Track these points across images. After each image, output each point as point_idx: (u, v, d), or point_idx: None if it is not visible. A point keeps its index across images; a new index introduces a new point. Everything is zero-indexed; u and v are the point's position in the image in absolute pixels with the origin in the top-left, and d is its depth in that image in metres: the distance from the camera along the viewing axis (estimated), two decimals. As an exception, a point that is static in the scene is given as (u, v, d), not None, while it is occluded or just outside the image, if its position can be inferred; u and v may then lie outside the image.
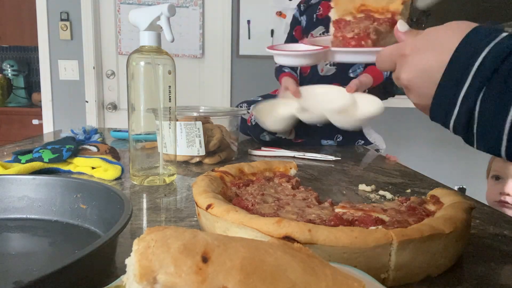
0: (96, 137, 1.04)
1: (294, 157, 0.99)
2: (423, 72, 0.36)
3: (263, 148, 1.06)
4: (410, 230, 0.36)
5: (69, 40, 2.48)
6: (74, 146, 0.78)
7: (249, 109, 1.46)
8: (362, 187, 0.73)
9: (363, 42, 0.52)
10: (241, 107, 1.55)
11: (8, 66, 3.08)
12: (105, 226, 0.43)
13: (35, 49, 2.73)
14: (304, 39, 0.69)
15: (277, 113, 1.10)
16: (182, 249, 0.22)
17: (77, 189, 0.48)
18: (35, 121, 2.83)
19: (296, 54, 0.55)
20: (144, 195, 0.64)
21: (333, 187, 0.74)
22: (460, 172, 2.81)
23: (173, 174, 0.74)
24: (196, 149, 0.89)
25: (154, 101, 0.68)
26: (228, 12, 2.51)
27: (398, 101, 2.71)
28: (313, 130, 1.34)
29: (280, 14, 2.54)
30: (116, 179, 0.73)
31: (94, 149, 0.84)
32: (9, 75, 3.08)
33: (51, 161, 0.74)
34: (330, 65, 1.40)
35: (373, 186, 0.73)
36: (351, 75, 1.34)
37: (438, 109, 0.36)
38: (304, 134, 1.24)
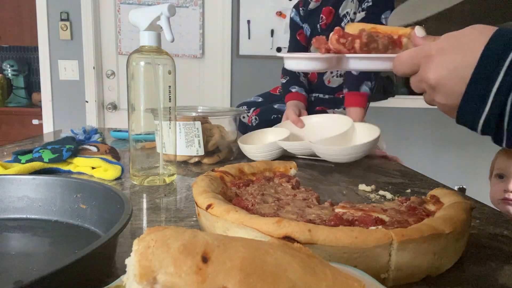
0: (96, 137, 1.04)
1: (294, 156, 0.99)
2: (452, 70, 0.36)
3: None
4: (410, 230, 0.36)
5: (69, 40, 2.48)
6: (74, 146, 0.78)
7: (248, 111, 1.46)
8: (362, 187, 0.73)
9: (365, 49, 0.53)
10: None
11: (8, 66, 3.08)
12: (105, 226, 0.43)
13: (35, 49, 2.74)
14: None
15: (264, 141, 1.03)
16: (182, 249, 0.22)
17: (77, 189, 0.48)
18: (35, 121, 2.83)
19: (308, 57, 0.55)
20: (144, 195, 0.65)
21: (333, 187, 0.74)
22: (460, 172, 2.81)
23: (173, 174, 0.74)
24: (195, 149, 0.89)
25: (154, 101, 0.68)
26: (228, 12, 2.52)
27: (398, 101, 2.72)
28: None
29: (280, 14, 2.54)
30: (116, 179, 0.73)
31: (94, 149, 0.84)
32: (9, 75, 3.08)
33: (51, 161, 0.74)
34: (337, 77, 1.37)
35: (373, 186, 0.73)
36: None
37: (468, 107, 0.36)
38: None
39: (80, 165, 0.76)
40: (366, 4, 1.24)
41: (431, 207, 0.48)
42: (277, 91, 1.55)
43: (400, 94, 2.74)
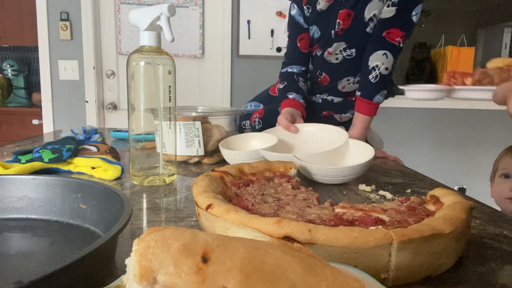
0: (96, 137, 1.04)
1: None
2: None
3: None
4: (410, 230, 0.36)
5: (69, 40, 2.48)
6: (74, 146, 0.78)
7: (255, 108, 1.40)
8: (362, 187, 0.73)
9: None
10: (245, 106, 1.49)
11: (8, 66, 3.08)
12: (105, 226, 0.43)
13: (35, 49, 2.74)
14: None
15: (247, 147, 0.95)
16: (182, 249, 0.22)
17: (77, 189, 0.48)
18: (35, 121, 2.83)
19: (428, 89, 0.65)
20: (144, 195, 0.65)
21: (333, 187, 0.74)
22: (460, 172, 2.81)
23: (173, 174, 0.74)
24: (195, 149, 0.89)
25: (154, 101, 0.68)
26: (228, 12, 2.52)
27: (398, 101, 2.72)
28: None
29: (280, 14, 2.54)
30: (116, 179, 0.73)
31: (94, 149, 0.84)
32: (9, 75, 3.08)
33: (51, 161, 0.74)
34: (353, 83, 1.28)
35: (373, 186, 0.73)
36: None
37: None
38: None
39: (80, 165, 0.76)
40: None
41: (431, 207, 0.48)
42: (276, 89, 1.42)
43: (400, 94, 2.74)
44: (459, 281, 0.38)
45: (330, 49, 1.22)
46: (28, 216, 0.48)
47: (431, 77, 2.80)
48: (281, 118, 1.03)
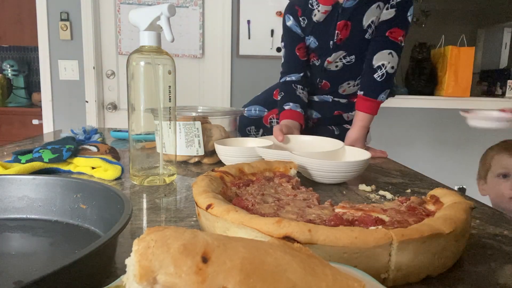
0: (96, 137, 1.04)
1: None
2: None
3: None
4: (410, 230, 0.36)
5: (69, 40, 2.48)
6: (74, 146, 0.78)
7: (257, 131, 1.39)
8: (362, 187, 0.73)
9: None
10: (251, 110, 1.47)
11: (8, 66, 3.08)
12: (105, 226, 0.43)
13: (35, 49, 2.74)
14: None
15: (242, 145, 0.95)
16: (182, 249, 0.22)
17: (77, 189, 0.48)
18: (35, 121, 2.83)
19: (492, 118, 0.65)
20: (144, 195, 0.64)
21: (333, 187, 0.74)
22: (460, 172, 2.81)
23: (173, 174, 0.74)
24: (195, 149, 0.89)
25: (154, 101, 0.68)
26: (228, 12, 2.52)
27: (398, 101, 2.72)
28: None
29: (280, 14, 2.54)
30: (116, 179, 0.73)
31: (94, 149, 0.84)
32: (9, 75, 3.08)
33: (51, 161, 0.74)
34: (353, 86, 1.30)
35: (373, 186, 0.73)
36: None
37: None
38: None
39: (80, 165, 0.76)
40: (395, 0, 1.11)
41: (431, 207, 0.48)
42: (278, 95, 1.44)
43: (400, 94, 2.75)
44: (459, 281, 0.38)
45: (329, 58, 1.24)
46: (28, 216, 0.48)
47: (431, 77, 2.79)
48: (275, 129, 1.02)
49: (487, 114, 0.62)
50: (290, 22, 1.27)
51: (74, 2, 2.44)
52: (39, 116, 2.69)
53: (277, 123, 1.30)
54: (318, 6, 1.16)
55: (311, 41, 1.25)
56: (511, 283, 0.38)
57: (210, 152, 0.92)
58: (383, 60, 1.13)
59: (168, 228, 0.24)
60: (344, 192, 0.70)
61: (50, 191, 0.48)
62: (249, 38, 2.55)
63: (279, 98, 1.28)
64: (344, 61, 1.24)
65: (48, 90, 2.53)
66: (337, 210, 0.47)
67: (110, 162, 0.75)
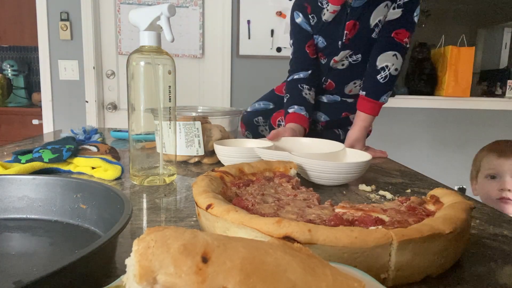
0: (96, 137, 1.04)
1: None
2: None
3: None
4: (410, 230, 0.36)
5: (69, 40, 2.48)
6: (74, 146, 0.78)
7: (265, 122, 1.39)
8: (362, 187, 0.73)
9: None
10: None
11: (8, 66, 3.08)
12: (105, 226, 0.43)
13: (35, 49, 2.74)
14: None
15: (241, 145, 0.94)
16: (182, 249, 0.22)
17: (77, 189, 0.48)
18: (35, 121, 2.83)
19: None
20: (144, 195, 0.64)
21: (333, 187, 0.74)
22: (460, 172, 2.81)
23: (173, 174, 0.74)
24: (195, 149, 0.89)
25: (154, 101, 0.68)
26: (228, 12, 2.52)
27: (398, 101, 2.72)
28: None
29: (280, 14, 2.54)
30: (116, 179, 0.73)
31: (94, 149, 0.84)
32: (9, 75, 3.08)
33: (51, 161, 0.74)
34: (360, 86, 1.28)
35: (373, 186, 0.73)
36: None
37: None
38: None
39: (80, 165, 0.76)
40: (402, 0, 1.10)
41: (431, 207, 0.48)
42: (283, 90, 1.41)
43: (400, 94, 2.75)
44: (459, 281, 0.38)
45: (336, 58, 1.23)
46: (28, 216, 0.48)
47: (431, 77, 2.80)
48: (272, 133, 1.00)
49: None
50: (299, 19, 1.25)
51: (74, 2, 2.44)
52: (39, 116, 2.69)
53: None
54: (328, 5, 1.15)
55: (319, 40, 1.24)
56: (511, 283, 0.38)
57: (210, 152, 0.92)
58: (387, 61, 1.12)
59: (168, 228, 0.24)
60: (344, 192, 0.70)
61: (50, 191, 0.48)
62: (249, 38, 2.55)
63: (285, 99, 1.27)
64: (350, 59, 1.23)
65: (48, 90, 2.53)
66: (337, 210, 0.47)
67: (110, 162, 0.75)
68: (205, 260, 0.21)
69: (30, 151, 0.76)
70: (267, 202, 0.48)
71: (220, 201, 0.43)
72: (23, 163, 0.72)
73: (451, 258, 0.40)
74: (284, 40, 2.52)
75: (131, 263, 0.22)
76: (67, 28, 2.45)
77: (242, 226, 0.38)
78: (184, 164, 0.91)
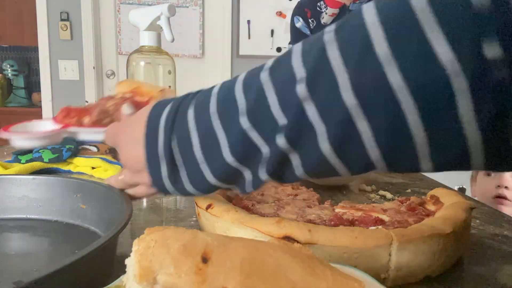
0: (96, 137, 1.04)
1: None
2: (132, 140, 0.40)
3: None
4: (410, 230, 0.36)
5: (69, 40, 2.48)
6: (74, 146, 0.78)
7: None
8: (362, 187, 0.73)
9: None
10: None
11: (8, 66, 3.08)
12: (105, 226, 0.43)
13: (35, 49, 2.74)
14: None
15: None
16: (182, 249, 0.22)
17: (77, 189, 0.48)
18: (35, 121, 2.83)
19: (36, 136, 0.54)
20: (144, 195, 0.64)
21: (333, 187, 0.74)
22: (460, 172, 2.80)
23: (173, 174, 0.73)
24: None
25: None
26: (228, 12, 2.52)
27: (398, 101, 2.72)
28: None
29: (280, 14, 2.54)
30: (116, 179, 0.73)
31: (94, 149, 0.84)
32: (9, 75, 3.08)
33: (51, 161, 0.74)
34: None
35: (373, 186, 0.73)
36: None
37: (152, 170, 0.38)
38: None
39: (80, 165, 0.76)
40: None
41: (431, 207, 0.48)
42: None
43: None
44: (459, 281, 0.38)
45: None
46: (28, 216, 0.48)
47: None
48: None
49: (29, 133, 0.51)
50: (299, 23, 1.25)
51: (74, 2, 2.44)
52: (39, 116, 2.69)
53: None
54: (326, 9, 1.15)
55: None
56: (511, 283, 0.38)
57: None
58: None
59: (168, 228, 0.24)
60: (344, 192, 0.70)
61: (50, 191, 0.48)
62: (249, 38, 2.55)
63: None
64: None
65: (48, 90, 2.53)
66: (337, 210, 0.47)
67: (110, 162, 0.75)
68: (205, 260, 0.21)
69: (30, 151, 0.76)
70: (267, 202, 0.48)
71: (220, 201, 0.43)
72: (23, 163, 0.72)
73: (451, 258, 0.40)
74: (284, 40, 2.52)
75: (131, 263, 0.22)
76: (67, 28, 2.45)
77: (242, 226, 0.38)
78: (184, 164, 0.91)
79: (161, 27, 0.66)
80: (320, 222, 0.42)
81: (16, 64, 3.11)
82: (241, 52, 2.56)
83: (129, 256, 0.23)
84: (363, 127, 0.24)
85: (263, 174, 0.31)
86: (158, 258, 0.21)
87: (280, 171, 0.30)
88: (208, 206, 0.43)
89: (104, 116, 0.53)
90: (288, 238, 0.35)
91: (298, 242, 0.35)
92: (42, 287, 0.24)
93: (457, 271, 0.40)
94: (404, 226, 0.39)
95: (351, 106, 0.24)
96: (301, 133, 0.27)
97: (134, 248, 0.22)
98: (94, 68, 2.51)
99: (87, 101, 2.54)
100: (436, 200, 0.48)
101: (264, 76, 0.29)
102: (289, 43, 1.32)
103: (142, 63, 0.67)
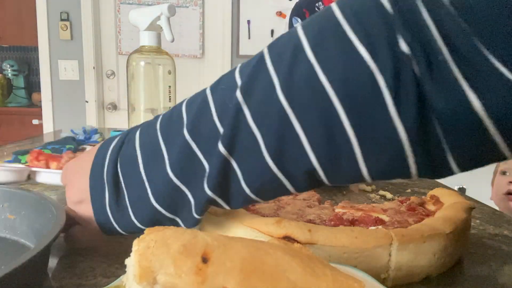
0: (96, 137, 1.04)
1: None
2: (79, 170, 0.38)
3: None
4: (410, 230, 0.36)
5: (69, 40, 2.48)
6: (74, 146, 0.78)
7: None
8: (362, 187, 0.73)
9: None
10: None
11: (8, 66, 3.08)
12: (36, 238, 0.39)
13: (35, 49, 2.74)
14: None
15: None
16: (182, 249, 0.22)
17: (4, 198, 0.42)
18: (35, 121, 2.83)
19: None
20: (144, 195, 0.64)
21: (333, 187, 0.74)
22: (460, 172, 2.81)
23: (173, 174, 0.73)
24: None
25: (154, 101, 0.68)
26: (228, 12, 2.52)
27: (398, 101, 2.72)
28: None
29: (280, 14, 2.54)
30: (116, 179, 0.73)
31: (94, 149, 0.83)
32: (9, 75, 3.08)
33: (51, 161, 0.73)
34: None
35: (373, 186, 0.73)
36: None
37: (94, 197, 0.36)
38: None
39: (80, 165, 0.76)
40: None
41: (431, 207, 0.48)
42: None
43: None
44: (459, 281, 0.38)
45: None
46: None
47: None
48: None
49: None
50: (297, 24, 1.26)
51: (74, 2, 2.44)
52: (39, 116, 2.69)
53: None
54: None
55: None
56: (511, 283, 0.38)
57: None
58: None
59: (168, 228, 0.24)
60: (344, 192, 0.70)
61: (-26, 201, 0.42)
62: (249, 38, 2.55)
63: None
64: None
65: (48, 90, 2.53)
66: (337, 210, 0.46)
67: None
68: (205, 260, 0.21)
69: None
70: (267, 202, 0.48)
71: (220, 201, 0.43)
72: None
73: (451, 258, 0.40)
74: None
75: (131, 263, 0.22)
76: (67, 28, 2.45)
77: (242, 226, 0.38)
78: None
79: (161, 27, 0.66)
80: (320, 222, 0.42)
81: (16, 64, 3.11)
82: (241, 52, 2.56)
83: (129, 256, 0.23)
84: (298, 128, 0.25)
85: (206, 190, 0.30)
86: (158, 258, 0.21)
87: (225, 185, 0.30)
88: (208, 206, 0.42)
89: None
90: (288, 238, 0.35)
91: (298, 242, 0.35)
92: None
93: (457, 271, 0.40)
94: (404, 226, 0.39)
95: (286, 107, 0.25)
96: (237, 138, 0.27)
97: (134, 248, 0.22)
98: (94, 68, 2.51)
99: (87, 101, 2.54)
100: (436, 200, 0.48)
101: (207, 90, 0.32)
102: None
103: (142, 63, 0.67)
